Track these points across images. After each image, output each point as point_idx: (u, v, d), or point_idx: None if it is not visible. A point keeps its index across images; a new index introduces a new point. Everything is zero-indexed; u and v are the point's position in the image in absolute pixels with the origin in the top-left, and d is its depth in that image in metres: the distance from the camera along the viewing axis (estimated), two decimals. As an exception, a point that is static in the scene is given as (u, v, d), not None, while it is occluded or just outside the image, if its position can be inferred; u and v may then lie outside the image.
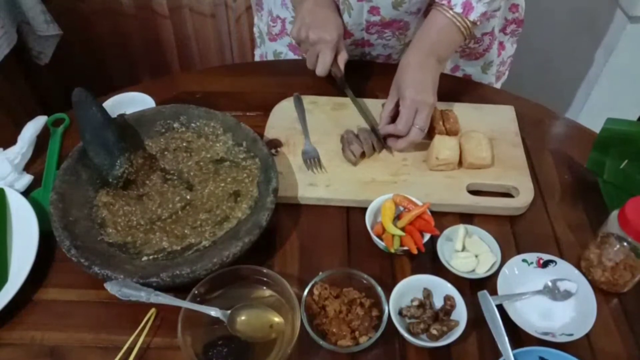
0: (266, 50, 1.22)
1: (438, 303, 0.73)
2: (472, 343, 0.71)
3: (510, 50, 1.17)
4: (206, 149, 0.90)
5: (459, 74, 1.16)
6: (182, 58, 1.90)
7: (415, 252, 0.77)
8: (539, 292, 0.75)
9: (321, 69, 0.95)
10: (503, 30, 1.11)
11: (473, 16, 0.87)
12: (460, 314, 0.70)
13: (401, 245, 0.78)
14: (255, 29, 1.26)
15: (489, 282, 0.76)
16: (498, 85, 1.21)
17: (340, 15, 1.00)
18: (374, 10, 0.99)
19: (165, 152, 0.90)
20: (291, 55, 1.17)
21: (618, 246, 0.73)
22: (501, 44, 1.13)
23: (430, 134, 0.93)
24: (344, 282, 0.74)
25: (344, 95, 1.01)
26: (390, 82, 0.92)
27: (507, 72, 1.22)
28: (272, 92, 1.03)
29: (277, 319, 0.70)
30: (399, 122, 0.88)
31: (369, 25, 1.02)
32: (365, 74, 1.08)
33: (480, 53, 1.11)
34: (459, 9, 0.86)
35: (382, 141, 0.92)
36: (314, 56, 0.95)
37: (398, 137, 0.90)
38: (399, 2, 0.96)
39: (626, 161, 0.88)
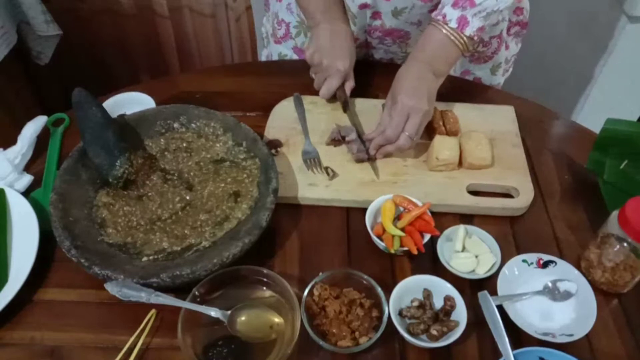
0: (271, 52, 1.23)
1: (438, 303, 0.73)
2: (472, 343, 0.71)
3: (515, 49, 1.17)
4: (206, 149, 0.90)
5: (469, 77, 1.16)
6: (182, 58, 1.90)
7: (415, 252, 0.77)
8: (539, 292, 0.75)
9: (325, 92, 0.97)
10: (507, 31, 1.11)
11: (469, 31, 0.86)
12: (460, 314, 0.70)
13: (401, 245, 0.78)
14: (262, 29, 1.27)
15: (489, 283, 0.76)
16: (502, 81, 1.21)
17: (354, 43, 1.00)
18: (376, 15, 1.00)
19: (165, 152, 0.90)
20: (296, 58, 1.17)
21: (618, 247, 0.73)
22: (505, 43, 1.14)
23: (430, 134, 0.93)
24: (344, 283, 0.74)
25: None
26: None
27: (510, 69, 1.22)
28: (272, 92, 1.03)
29: (277, 319, 0.71)
30: (387, 127, 0.87)
31: (371, 29, 1.04)
32: (368, 74, 1.08)
33: (489, 56, 1.12)
34: (454, 24, 0.85)
35: (367, 152, 0.91)
36: (323, 79, 0.97)
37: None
38: (398, 11, 0.97)
39: (626, 161, 0.88)
